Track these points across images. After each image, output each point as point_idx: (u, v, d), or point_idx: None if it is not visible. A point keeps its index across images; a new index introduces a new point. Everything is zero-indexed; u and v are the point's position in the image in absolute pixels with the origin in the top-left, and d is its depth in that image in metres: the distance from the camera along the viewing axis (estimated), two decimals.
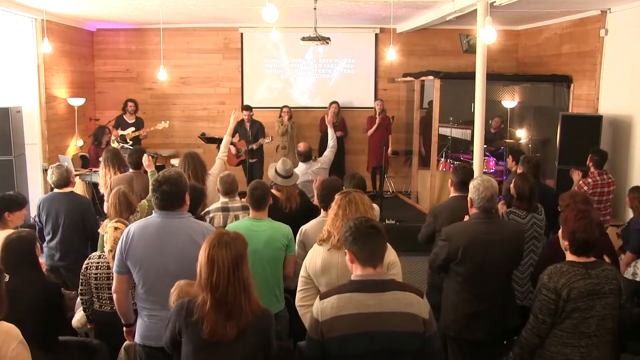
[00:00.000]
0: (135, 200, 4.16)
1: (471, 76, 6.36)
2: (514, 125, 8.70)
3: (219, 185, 4.27)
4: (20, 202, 4.09)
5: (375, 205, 3.63)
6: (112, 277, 3.06)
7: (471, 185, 3.39)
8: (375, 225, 2.37)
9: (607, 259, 3.10)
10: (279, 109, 9.09)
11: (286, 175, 4.58)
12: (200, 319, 2.22)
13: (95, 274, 3.54)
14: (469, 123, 7.47)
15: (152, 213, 3.00)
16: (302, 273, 3.04)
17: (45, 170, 7.67)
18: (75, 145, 8.65)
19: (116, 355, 3.27)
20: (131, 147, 7.79)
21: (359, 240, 2.32)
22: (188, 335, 2.28)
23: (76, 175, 6.51)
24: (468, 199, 3.43)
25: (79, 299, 3.68)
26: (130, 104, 8.39)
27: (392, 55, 7.17)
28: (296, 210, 4.47)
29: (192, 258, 2.75)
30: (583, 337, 2.69)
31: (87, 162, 8.14)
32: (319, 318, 2.28)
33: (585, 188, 5.50)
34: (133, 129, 8.27)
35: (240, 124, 8.40)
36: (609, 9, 6.70)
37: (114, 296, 3.02)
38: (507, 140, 8.35)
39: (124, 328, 3.18)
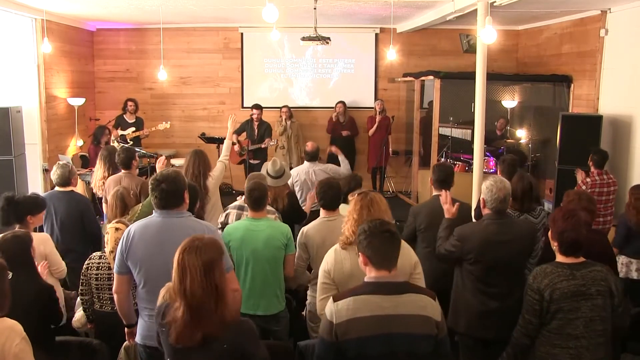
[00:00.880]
0: (132, 201, 4.16)
1: (471, 76, 6.35)
2: (514, 125, 8.71)
3: (245, 196, 4.21)
4: (41, 204, 4.06)
5: None
6: (113, 278, 3.06)
7: (484, 186, 3.39)
8: (390, 229, 2.35)
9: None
10: (279, 109, 9.09)
11: (276, 175, 4.59)
12: (168, 324, 2.18)
13: (96, 274, 3.54)
14: (469, 123, 7.47)
15: (145, 216, 3.00)
16: (322, 280, 2.95)
17: (45, 170, 7.67)
18: (75, 145, 8.65)
19: (116, 355, 3.28)
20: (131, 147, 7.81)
21: (374, 244, 2.31)
22: (163, 340, 2.28)
23: None
24: (480, 199, 3.43)
25: (79, 298, 3.68)
26: (130, 103, 8.40)
27: (392, 55, 7.17)
28: (282, 211, 4.46)
29: None
30: (570, 338, 2.70)
31: (87, 162, 8.14)
32: (334, 320, 2.27)
33: (584, 187, 5.51)
34: (133, 128, 8.27)
35: (248, 123, 8.40)
36: (609, 9, 6.70)
37: (115, 297, 3.01)
38: (507, 140, 8.36)
39: (125, 329, 3.17)
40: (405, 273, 2.86)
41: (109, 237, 3.50)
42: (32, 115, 7.53)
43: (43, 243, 3.79)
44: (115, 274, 2.96)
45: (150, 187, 2.89)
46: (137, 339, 2.98)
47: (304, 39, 6.61)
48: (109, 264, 3.47)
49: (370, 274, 2.35)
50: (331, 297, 2.36)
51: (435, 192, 4.05)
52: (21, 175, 6.85)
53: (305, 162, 5.69)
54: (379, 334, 2.25)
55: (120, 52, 9.64)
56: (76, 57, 8.88)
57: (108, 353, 3.40)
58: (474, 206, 4.73)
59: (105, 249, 3.55)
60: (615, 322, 2.77)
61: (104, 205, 4.95)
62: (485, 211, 3.39)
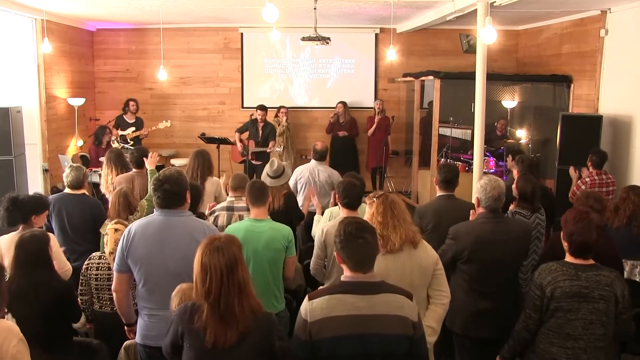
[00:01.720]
0: (135, 200, 4.16)
1: (471, 76, 6.36)
2: (514, 125, 8.71)
3: (229, 181, 4.26)
4: (44, 204, 4.08)
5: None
6: (113, 278, 3.05)
7: (478, 185, 3.41)
8: (364, 235, 2.30)
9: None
10: (276, 109, 9.08)
11: (274, 175, 4.58)
12: (203, 327, 2.19)
13: (96, 274, 3.55)
14: (469, 123, 7.47)
15: (152, 212, 3.01)
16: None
17: (45, 171, 7.67)
18: (75, 145, 8.65)
19: (116, 355, 3.28)
20: (132, 147, 7.81)
21: (347, 250, 2.30)
22: (191, 342, 2.24)
23: None
24: (475, 198, 3.44)
25: (78, 299, 3.68)
26: (132, 103, 8.40)
27: (392, 55, 7.17)
28: (278, 211, 4.45)
29: (192, 257, 2.75)
30: (569, 339, 2.70)
31: (87, 162, 8.13)
32: (308, 319, 2.26)
33: (583, 187, 5.51)
34: (133, 128, 8.27)
35: (252, 124, 8.39)
36: (609, 9, 6.70)
37: (114, 295, 3.01)
38: (507, 141, 8.36)
39: (125, 327, 3.17)
40: (428, 271, 2.89)
41: (107, 238, 3.50)
42: (32, 115, 7.53)
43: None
44: (115, 272, 2.96)
45: (152, 187, 2.90)
46: (137, 338, 2.97)
47: (304, 39, 6.62)
48: (109, 264, 3.47)
49: (346, 274, 2.34)
50: (307, 295, 2.36)
51: (439, 193, 4.04)
52: (21, 176, 6.85)
53: (312, 160, 5.69)
54: (353, 333, 2.23)
55: (120, 52, 9.64)
56: (76, 57, 8.89)
57: (108, 353, 3.40)
58: None
59: (105, 249, 3.55)
60: (617, 328, 2.75)
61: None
62: (479, 210, 3.41)
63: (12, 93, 7.44)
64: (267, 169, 4.62)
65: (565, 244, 2.80)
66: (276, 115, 8.99)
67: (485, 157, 7.44)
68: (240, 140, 8.32)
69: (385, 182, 9.21)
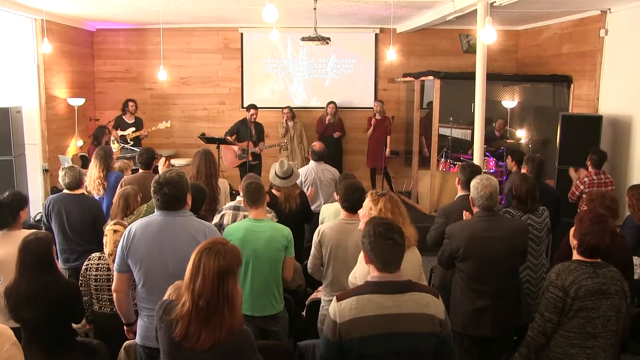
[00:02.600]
0: (135, 203, 4.16)
1: (471, 76, 6.36)
2: (514, 125, 8.70)
3: (242, 181, 4.28)
4: (26, 198, 4.12)
5: None
6: (112, 279, 3.05)
7: (471, 185, 3.44)
8: (393, 236, 2.32)
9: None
10: (280, 109, 9.08)
11: (284, 176, 4.57)
12: (175, 320, 2.16)
13: (95, 275, 3.54)
14: (469, 123, 7.47)
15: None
16: (352, 281, 2.96)
17: (45, 171, 7.67)
18: (75, 145, 8.65)
19: (116, 356, 3.28)
20: (132, 148, 7.82)
21: (377, 250, 2.31)
22: (160, 335, 2.24)
23: None
24: (469, 198, 3.46)
25: None
26: (131, 103, 8.41)
27: (392, 55, 7.17)
28: (295, 211, 4.47)
29: None
30: (589, 337, 2.69)
31: (87, 162, 8.13)
32: (337, 320, 2.28)
33: (582, 187, 5.52)
34: (133, 129, 8.28)
35: (243, 124, 8.38)
36: (609, 9, 6.69)
37: (114, 295, 3.01)
38: (507, 141, 8.35)
39: (125, 327, 3.17)
40: (417, 272, 2.94)
41: (107, 240, 3.50)
42: (32, 116, 7.53)
43: None
44: (115, 272, 2.96)
45: (152, 189, 2.89)
46: (137, 339, 2.97)
47: (304, 39, 6.62)
48: (109, 265, 3.47)
49: (373, 274, 2.36)
50: (335, 297, 2.37)
51: (461, 193, 4.06)
52: (21, 176, 6.85)
53: (311, 161, 5.69)
54: (382, 332, 2.25)
55: (120, 52, 9.64)
56: (76, 57, 8.88)
57: (108, 353, 3.40)
58: None
59: (104, 250, 3.55)
60: (625, 323, 2.80)
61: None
62: (475, 209, 3.43)
63: (12, 93, 7.44)
64: (277, 168, 4.59)
65: (574, 242, 2.80)
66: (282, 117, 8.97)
67: (485, 158, 7.43)
68: (234, 142, 8.27)
69: (385, 182, 9.20)
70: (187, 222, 2.92)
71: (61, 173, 4.59)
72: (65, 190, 4.62)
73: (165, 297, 2.49)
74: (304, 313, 3.96)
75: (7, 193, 4.03)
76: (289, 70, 9.82)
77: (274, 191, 4.59)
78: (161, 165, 4.88)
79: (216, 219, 4.17)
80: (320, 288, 3.75)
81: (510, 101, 8.47)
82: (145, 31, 9.42)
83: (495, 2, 5.84)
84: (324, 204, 5.13)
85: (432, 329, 2.30)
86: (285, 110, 8.90)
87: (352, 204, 3.49)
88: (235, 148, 8.27)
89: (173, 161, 8.94)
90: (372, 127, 8.88)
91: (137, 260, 2.85)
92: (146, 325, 2.91)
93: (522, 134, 8.48)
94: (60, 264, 4.50)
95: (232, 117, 9.45)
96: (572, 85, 7.65)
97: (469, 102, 6.86)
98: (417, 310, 2.29)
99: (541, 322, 2.76)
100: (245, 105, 9.53)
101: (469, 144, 7.88)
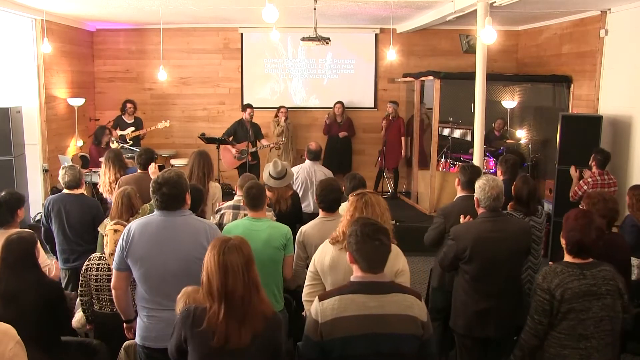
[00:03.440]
0: (139, 202, 4.16)
1: (471, 76, 6.36)
2: (514, 125, 8.70)
3: (239, 180, 4.27)
4: (23, 197, 4.15)
5: None
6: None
7: (477, 185, 3.41)
8: (380, 237, 2.30)
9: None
10: (276, 109, 9.06)
11: (278, 176, 4.57)
12: (211, 329, 2.16)
13: (96, 275, 3.54)
14: (469, 123, 7.46)
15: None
16: (310, 268, 3.05)
17: (45, 171, 7.67)
18: (75, 145, 8.65)
19: (116, 356, 3.27)
20: (131, 147, 7.82)
21: (362, 251, 2.30)
22: (194, 345, 2.22)
23: None
24: (474, 198, 3.44)
25: (78, 299, 3.68)
26: (129, 105, 8.41)
27: (392, 55, 7.17)
28: (286, 212, 4.45)
29: (193, 256, 2.76)
30: (581, 339, 2.68)
31: (87, 162, 8.14)
32: (319, 319, 2.26)
33: (586, 188, 5.50)
34: (132, 129, 8.27)
35: (240, 124, 8.38)
36: (609, 9, 6.70)
37: (113, 292, 3.01)
38: (507, 141, 8.35)
39: (124, 324, 3.17)
40: (393, 271, 2.89)
41: (107, 239, 3.49)
42: (32, 116, 7.53)
43: None
44: (114, 270, 2.96)
45: (151, 189, 2.89)
46: (136, 339, 2.97)
47: (304, 39, 6.62)
48: (109, 265, 3.46)
49: (357, 274, 2.34)
50: (317, 296, 2.36)
51: (461, 193, 4.03)
52: (21, 176, 6.85)
53: (307, 160, 5.69)
54: (364, 333, 2.24)
55: (120, 52, 9.63)
56: (76, 58, 8.88)
57: (108, 353, 3.40)
58: None
59: (105, 249, 3.55)
60: (624, 323, 2.77)
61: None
62: (480, 210, 3.42)
63: (12, 93, 7.45)
64: (270, 169, 4.59)
65: (562, 242, 2.79)
66: (276, 115, 8.97)
67: (485, 158, 7.43)
68: (232, 143, 8.27)
69: (385, 182, 9.20)
70: (187, 221, 2.91)
71: (61, 172, 4.59)
72: (64, 190, 4.61)
73: (178, 308, 2.47)
74: (304, 313, 3.96)
75: (4, 192, 4.04)
76: (289, 70, 9.81)
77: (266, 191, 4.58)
78: (151, 171, 4.86)
79: (215, 218, 4.17)
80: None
81: (510, 101, 8.47)
82: (145, 31, 9.42)
83: (495, 2, 5.84)
84: (312, 204, 5.07)
85: (414, 331, 2.29)
86: (283, 110, 8.90)
87: (328, 205, 3.54)
88: (234, 150, 8.26)
89: (173, 161, 8.95)
90: (383, 129, 8.89)
91: (136, 260, 2.85)
92: (146, 325, 2.90)
93: (522, 134, 8.49)
94: (60, 264, 4.52)
95: (232, 118, 9.44)
96: (572, 86, 7.64)
97: (469, 102, 6.86)
98: (400, 311, 2.28)
99: (532, 324, 2.76)
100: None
101: (469, 144, 7.88)
